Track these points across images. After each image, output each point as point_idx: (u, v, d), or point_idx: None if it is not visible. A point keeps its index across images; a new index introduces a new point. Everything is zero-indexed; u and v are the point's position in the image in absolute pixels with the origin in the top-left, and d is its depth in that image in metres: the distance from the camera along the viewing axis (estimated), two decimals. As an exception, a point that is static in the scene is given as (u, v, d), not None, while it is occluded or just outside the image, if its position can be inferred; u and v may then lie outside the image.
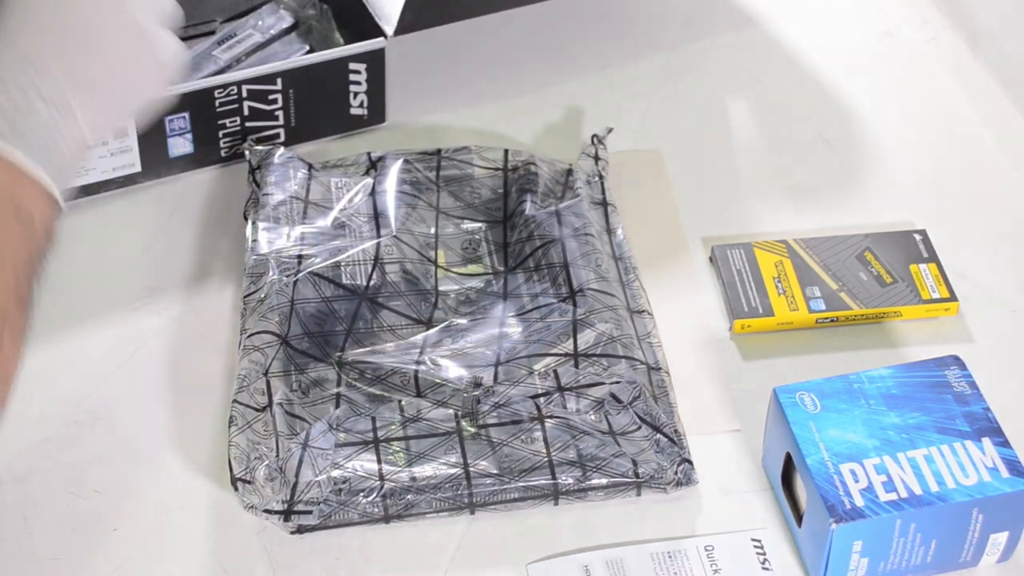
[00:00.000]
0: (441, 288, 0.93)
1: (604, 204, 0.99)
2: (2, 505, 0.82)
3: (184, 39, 1.05)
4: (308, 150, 1.05)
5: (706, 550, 0.80)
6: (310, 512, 0.79)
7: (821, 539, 0.76)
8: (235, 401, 0.85)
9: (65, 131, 0.68)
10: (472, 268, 0.95)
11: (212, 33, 1.08)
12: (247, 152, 1.00)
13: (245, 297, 0.91)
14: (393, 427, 0.83)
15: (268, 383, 0.85)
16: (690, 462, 0.84)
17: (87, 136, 0.69)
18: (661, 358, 0.90)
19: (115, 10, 0.70)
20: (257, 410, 0.84)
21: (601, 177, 1.01)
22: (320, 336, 0.89)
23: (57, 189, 0.67)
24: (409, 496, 0.81)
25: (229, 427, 0.83)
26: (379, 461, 0.81)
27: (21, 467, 0.84)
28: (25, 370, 0.91)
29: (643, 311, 0.93)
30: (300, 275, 0.90)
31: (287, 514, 0.79)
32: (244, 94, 1.01)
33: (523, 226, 0.95)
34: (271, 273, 0.91)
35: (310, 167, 0.99)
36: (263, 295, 0.90)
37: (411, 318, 0.91)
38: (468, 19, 1.10)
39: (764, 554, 0.81)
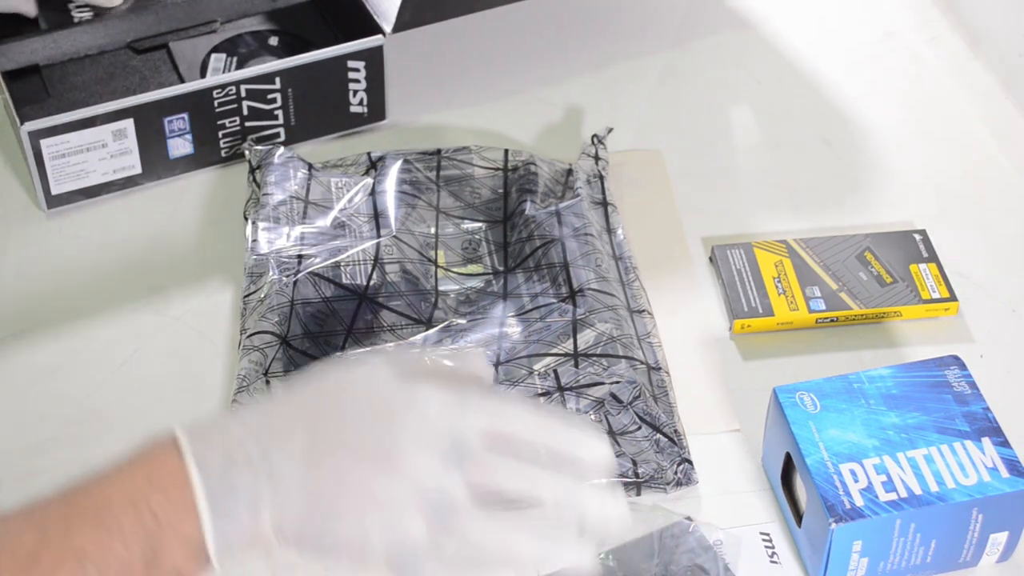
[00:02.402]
0: (441, 288, 0.93)
1: (604, 204, 0.99)
2: (2, 505, 0.82)
3: (184, 40, 1.06)
4: (308, 150, 1.05)
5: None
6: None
7: (821, 539, 0.76)
8: (235, 401, 0.85)
9: (260, 511, 0.59)
10: (472, 268, 0.95)
11: (213, 32, 1.07)
12: (247, 152, 1.00)
13: (245, 297, 0.91)
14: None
15: (268, 383, 0.85)
16: (690, 462, 0.84)
17: (273, 540, 0.60)
18: (661, 358, 0.90)
19: (392, 465, 0.60)
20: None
21: (601, 177, 1.01)
22: (320, 336, 0.89)
23: (213, 551, 0.58)
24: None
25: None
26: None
27: (21, 467, 0.84)
28: (25, 370, 0.91)
29: (643, 311, 0.93)
30: (300, 275, 0.90)
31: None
32: (243, 94, 1.01)
33: (523, 226, 0.95)
34: (271, 273, 0.91)
35: (310, 167, 0.99)
36: (263, 295, 0.90)
37: (411, 318, 0.91)
38: (466, 16, 1.10)
39: (772, 547, 0.81)
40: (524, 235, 0.95)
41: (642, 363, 0.87)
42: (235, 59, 1.07)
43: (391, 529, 0.59)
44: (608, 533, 0.62)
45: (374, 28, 1.03)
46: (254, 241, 0.93)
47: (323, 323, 0.89)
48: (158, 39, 1.04)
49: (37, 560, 0.56)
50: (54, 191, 0.98)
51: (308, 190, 0.97)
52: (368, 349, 0.87)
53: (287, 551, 0.60)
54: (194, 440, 0.59)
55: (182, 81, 1.03)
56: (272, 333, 0.87)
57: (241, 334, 0.89)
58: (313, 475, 0.59)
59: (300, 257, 0.92)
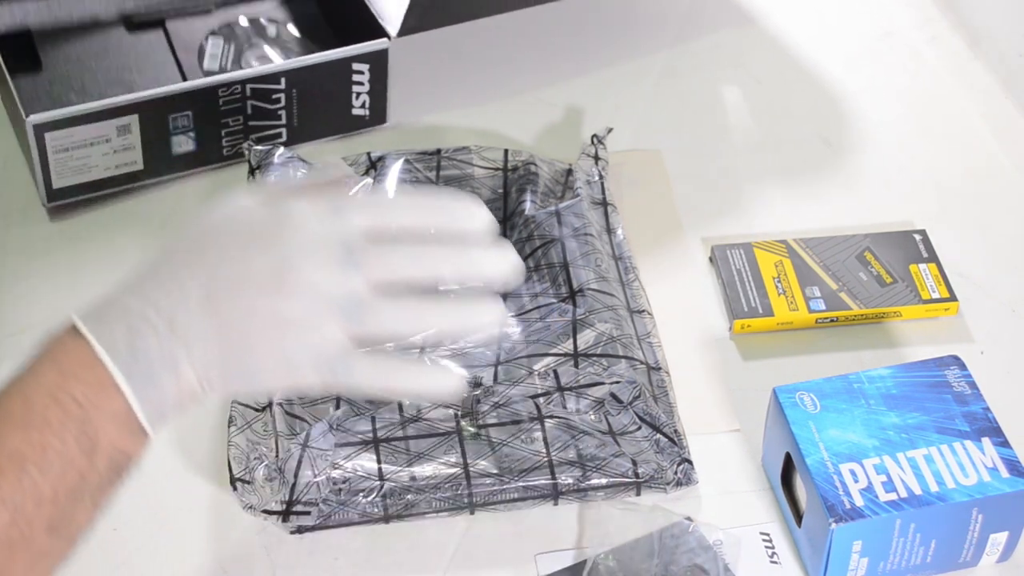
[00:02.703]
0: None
1: (604, 204, 0.99)
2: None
3: (176, 16, 1.06)
4: (308, 150, 1.05)
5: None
6: (308, 513, 0.79)
7: (821, 539, 0.76)
8: (235, 401, 0.85)
9: (179, 370, 0.60)
10: (472, 268, 0.95)
11: (209, 13, 1.07)
12: (247, 152, 1.00)
13: (245, 297, 0.91)
14: (393, 427, 0.83)
15: (268, 383, 0.85)
16: (690, 462, 0.84)
17: (199, 389, 0.61)
18: (661, 358, 0.90)
19: (292, 281, 0.60)
20: (256, 410, 0.84)
21: (601, 177, 1.01)
22: (320, 336, 0.89)
23: (146, 422, 0.59)
24: (409, 496, 0.81)
25: (228, 427, 0.83)
26: (379, 461, 0.81)
27: (21, 467, 0.84)
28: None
29: (643, 311, 0.93)
30: (300, 275, 0.90)
31: (286, 514, 0.79)
32: (248, 93, 1.01)
33: (523, 226, 0.95)
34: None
35: (310, 167, 0.99)
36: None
37: (411, 318, 0.90)
38: (471, 21, 1.10)
39: (772, 547, 0.81)
40: (524, 235, 0.95)
41: (642, 363, 0.87)
42: (232, 46, 1.07)
43: (311, 344, 0.60)
44: (508, 284, 0.64)
45: (378, 31, 1.03)
46: (254, 241, 0.93)
47: (323, 323, 0.89)
48: (154, 14, 1.03)
49: None
50: (55, 185, 0.98)
51: (308, 190, 0.97)
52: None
53: (216, 394, 0.61)
54: (93, 322, 0.59)
55: (178, 64, 1.03)
56: (272, 333, 0.87)
57: (241, 334, 0.89)
58: (219, 320, 0.59)
59: (300, 257, 0.92)
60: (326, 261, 0.61)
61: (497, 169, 1.00)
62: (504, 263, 0.64)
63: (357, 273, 0.61)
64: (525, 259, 0.94)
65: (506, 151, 1.01)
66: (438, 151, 1.01)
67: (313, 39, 1.09)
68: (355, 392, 0.64)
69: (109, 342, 0.58)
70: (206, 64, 1.06)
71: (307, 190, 0.64)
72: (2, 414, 0.57)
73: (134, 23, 1.05)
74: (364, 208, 0.63)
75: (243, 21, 1.09)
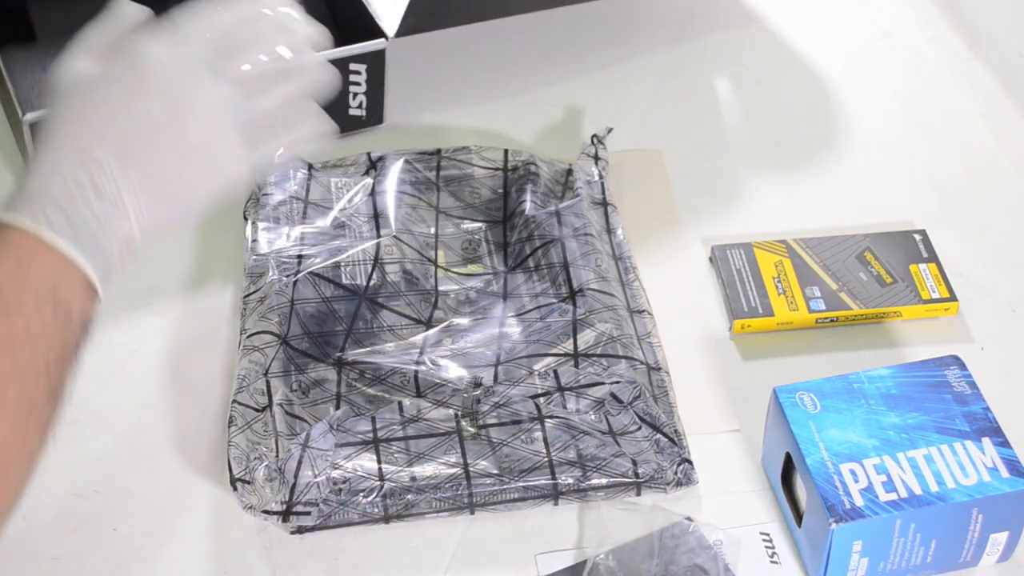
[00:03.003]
0: (441, 288, 0.93)
1: (604, 204, 0.99)
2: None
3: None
4: (307, 150, 1.05)
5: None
6: (308, 513, 0.79)
7: (821, 539, 0.76)
8: (235, 401, 0.85)
9: (116, 228, 0.66)
10: (472, 268, 0.95)
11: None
12: (247, 152, 1.00)
13: (245, 297, 0.91)
14: (393, 427, 0.83)
15: (268, 383, 0.85)
16: (690, 462, 0.84)
17: (137, 235, 0.68)
18: (661, 358, 0.90)
19: (180, 108, 0.68)
20: (257, 410, 0.84)
21: (601, 177, 1.01)
22: (320, 336, 0.89)
23: (99, 283, 0.66)
24: (409, 496, 0.81)
25: (229, 427, 0.83)
26: (379, 461, 0.81)
27: (21, 467, 0.84)
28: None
29: (643, 311, 0.93)
30: (300, 275, 0.90)
31: (286, 515, 0.79)
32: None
33: (523, 226, 0.95)
34: (271, 273, 0.91)
35: (310, 167, 0.99)
36: (263, 295, 0.90)
37: (411, 318, 0.91)
38: (471, 23, 1.10)
39: (772, 547, 0.81)
40: (524, 235, 0.95)
41: (642, 363, 0.87)
42: None
43: (220, 152, 0.69)
44: (321, 44, 0.74)
45: (375, 31, 1.03)
46: (254, 241, 0.93)
47: (323, 323, 0.89)
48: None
49: None
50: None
51: (308, 190, 0.97)
52: (368, 350, 0.87)
53: (154, 235, 0.68)
54: (28, 212, 0.64)
55: None
56: (272, 333, 0.87)
57: (241, 334, 0.89)
58: (138, 172, 0.67)
59: (300, 257, 0.92)
60: (199, 83, 0.68)
61: (497, 169, 1.00)
62: (317, 35, 0.74)
63: (224, 82, 0.69)
64: (525, 259, 0.94)
65: (506, 151, 1.01)
66: (438, 151, 1.01)
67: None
68: (264, 166, 0.72)
69: (51, 224, 0.64)
70: None
71: (137, 32, 0.70)
72: None
73: None
74: (201, 26, 0.70)
75: None
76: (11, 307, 0.62)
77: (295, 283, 0.90)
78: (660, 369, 0.89)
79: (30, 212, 0.64)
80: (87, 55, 0.70)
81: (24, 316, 0.62)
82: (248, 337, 0.88)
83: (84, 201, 0.65)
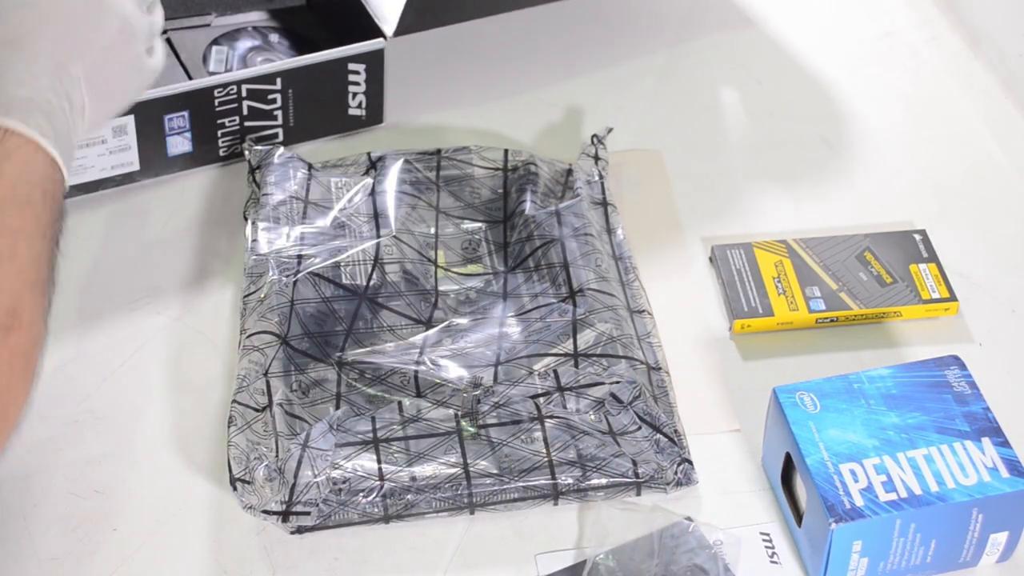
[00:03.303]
0: (441, 288, 0.93)
1: (604, 204, 0.99)
2: (2, 505, 0.82)
3: (176, 29, 1.06)
4: (307, 150, 1.05)
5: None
6: (308, 513, 0.79)
7: (821, 539, 0.76)
8: (235, 401, 0.85)
9: (79, 130, 0.78)
10: (472, 268, 0.95)
11: (207, 26, 1.07)
12: (247, 152, 1.00)
13: (245, 297, 0.91)
14: (393, 427, 0.83)
15: (268, 383, 0.85)
16: (690, 462, 0.84)
17: (84, 133, 0.79)
18: (661, 358, 0.90)
19: (129, 29, 0.80)
20: (257, 410, 0.84)
21: (601, 177, 1.01)
22: (320, 336, 0.89)
23: (67, 177, 0.76)
24: (409, 496, 0.81)
25: (228, 427, 0.83)
26: (379, 461, 0.81)
27: (21, 467, 0.84)
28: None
29: (643, 311, 0.93)
30: (300, 275, 0.90)
31: (286, 515, 0.79)
32: (244, 93, 1.01)
33: (523, 226, 0.95)
34: (271, 273, 0.91)
35: (310, 167, 0.99)
36: (263, 295, 0.90)
37: (411, 318, 0.91)
38: (468, 21, 1.10)
39: (772, 547, 0.81)
40: (524, 235, 0.95)
41: (642, 363, 0.87)
42: (235, 54, 1.07)
43: (147, 67, 0.83)
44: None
45: (374, 31, 1.03)
46: (254, 241, 0.93)
47: (323, 323, 0.89)
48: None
49: None
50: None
51: (308, 190, 0.97)
52: (368, 350, 0.87)
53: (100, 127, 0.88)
54: (21, 117, 0.73)
55: (184, 68, 1.03)
56: (272, 333, 0.87)
57: (241, 334, 0.89)
58: (97, 85, 0.78)
59: (300, 257, 0.92)
60: (138, 4, 0.81)
61: (497, 169, 1.00)
62: None
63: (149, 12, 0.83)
64: (525, 259, 0.94)
65: (506, 151, 1.01)
66: (438, 151, 1.01)
67: (310, 39, 1.09)
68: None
69: (42, 131, 0.73)
70: (211, 69, 1.06)
71: None
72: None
73: None
74: None
75: (245, 31, 1.09)
76: (20, 200, 0.72)
77: (295, 283, 0.90)
78: (660, 369, 0.89)
79: (22, 117, 0.73)
80: None
81: (34, 207, 0.72)
82: (248, 337, 0.88)
83: (62, 111, 0.75)
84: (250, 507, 0.80)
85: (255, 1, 1.11)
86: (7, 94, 0.74)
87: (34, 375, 0.70)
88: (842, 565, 0.77)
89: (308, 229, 0.94)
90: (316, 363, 0.87)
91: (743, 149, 1.09)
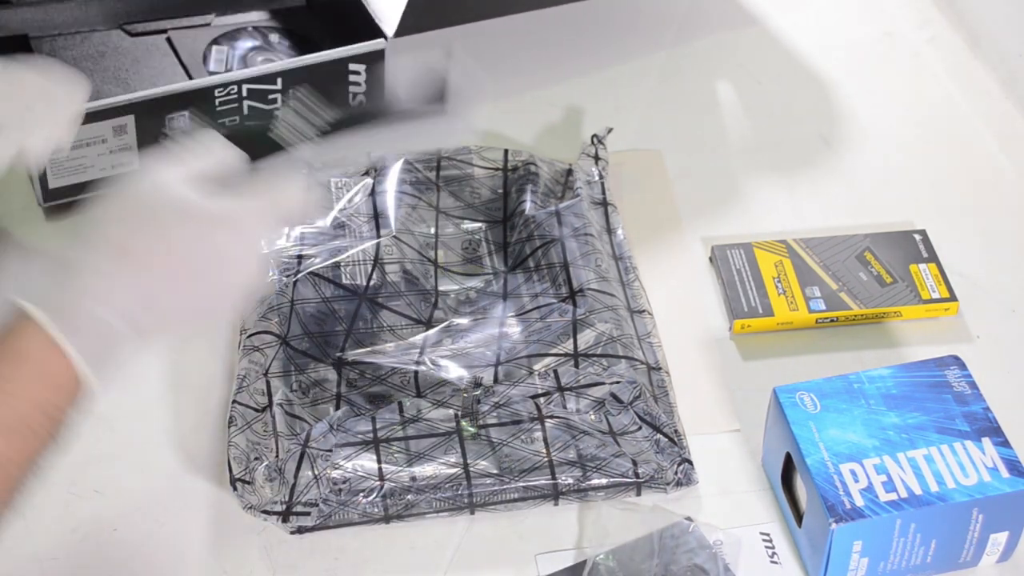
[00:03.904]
0: (441, 288, 0.93)
1: (604, 204, 0.99)
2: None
3: (176, 28, 1.06)
4: (306, 150, 1.05)
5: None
6: (308, 513, 0.79)
7: (821, 539, 0.76)
8: (235, 401, 0.85)
9: (125, 351, 0.68)
10: (472, 268, 0.95)
11: (207, 25, 1.07)
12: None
13: (245, 297, 0.91)
14: (393, 427, 0.83)
15: (268, 383, 0.85)
16: (690, 462, 0.84)
17: (141, 344, 0.68)
18: (661, 358, 0.90)
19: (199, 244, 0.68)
20: (257, 410, 0.84)
21: (601, 177, 1.01)
22: (320, 336, 0.89)
23: (95, 382, 0.66)
24: (409, 496, 0.81)
25: (228, 427, 0.83)
26: (379, 461, 0.81)
27: (21, 467, 0.84)
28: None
29: (643, 311, 0.93)
30: (300, 275, 0.90)
31: (286, 515, 0.79)
32: (244, 93, 1.01)
33: (523, 226, 0.95)
34: (271, 273, 0.91)
35: (310, 167, 0.99)
36: (263, 295, 0.90)
37: (411, 318, 0.91)
38: (469, 23, 1.10)
39: (772, 547, 0.81)
40: (524, 235, 0.95)
41: (642, 363, 0.87)
42: (235, 54, 1.07)
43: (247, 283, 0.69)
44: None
45: (374, 31, 1.03)
46: (254, 241, 0.93)
47: (323, 323, 0.89)
48: (151, 25, 1.04)
49: None
50: (52, 185, 0.98)
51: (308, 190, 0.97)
52: (368, 350, 0.87)
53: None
54: (66, 330, 0.64)
55: (184, 68, 1.03)
56: (272, 333, 0.87)
57: (241, 334, 0.89)
58: (161, 318, 0.67)
59: (300, 257, 0.92)
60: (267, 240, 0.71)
61: (497, 169, 1.00)
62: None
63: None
64: (525, 259, 0.94)
65: (506, 151, 1.01)
66: (438, 151, 1.01)
67: (310, 39, 1.09)
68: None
69: (83, 352, 0.65)
70: (211, 69, 1.06)
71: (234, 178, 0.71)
72: None
73: (133, 33, 1.05)
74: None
75: (246, 31, 1.09)
76: (21, 430, 0.64)
77: (295, 283, 0.90)
78: (660, 369, 0.89)
79: (70, 331, 0.64)
80: (176, 172, 0.69)
81: (31, 444, 0.65)
82: (248, 337, 0.88)
83: (119, 335, 0.66)
84: (250, 507, 0.80)
85: (255, 1, 1.11)
86: (60, 289, 0.66)
87: None
88: (842, 565, 0.77)
89: (308, 229, 0.94)
90: (316, 363, 0.87)
91: (743, 149, 1.09)
